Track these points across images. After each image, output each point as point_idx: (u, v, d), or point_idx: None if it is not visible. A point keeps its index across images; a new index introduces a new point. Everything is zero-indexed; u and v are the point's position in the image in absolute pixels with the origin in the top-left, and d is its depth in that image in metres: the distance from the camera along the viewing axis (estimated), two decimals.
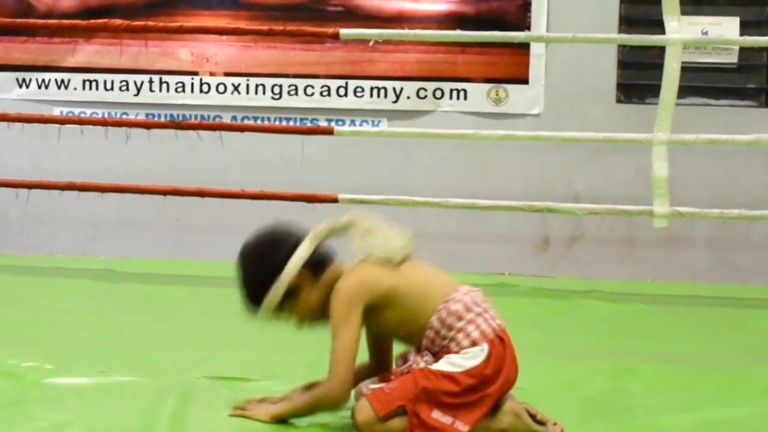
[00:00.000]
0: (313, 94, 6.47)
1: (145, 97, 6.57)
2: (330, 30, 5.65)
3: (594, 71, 6.34)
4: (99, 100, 6.59)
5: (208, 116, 6.45)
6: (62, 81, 6.60)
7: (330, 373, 2.88)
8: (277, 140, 6.25)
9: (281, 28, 5.75)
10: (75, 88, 6.60)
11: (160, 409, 3.08)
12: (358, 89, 6.43)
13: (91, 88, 6.60)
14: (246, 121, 6.40)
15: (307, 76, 6.48)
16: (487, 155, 6.36)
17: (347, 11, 6.42)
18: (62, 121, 6.06)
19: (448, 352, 2.90)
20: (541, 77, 6.36)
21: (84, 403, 3.18)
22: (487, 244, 6.42)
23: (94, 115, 6.43)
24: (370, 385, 2.93)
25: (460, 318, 2.92)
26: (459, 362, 2.87)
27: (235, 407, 3.07)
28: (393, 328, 2.98)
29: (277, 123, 6.44)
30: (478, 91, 6.39)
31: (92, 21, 5.80)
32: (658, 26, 5.43)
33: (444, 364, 2.88)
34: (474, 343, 2.89)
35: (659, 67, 5.36)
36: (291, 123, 6.47)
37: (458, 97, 6.39)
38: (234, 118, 6.45)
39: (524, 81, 6.37)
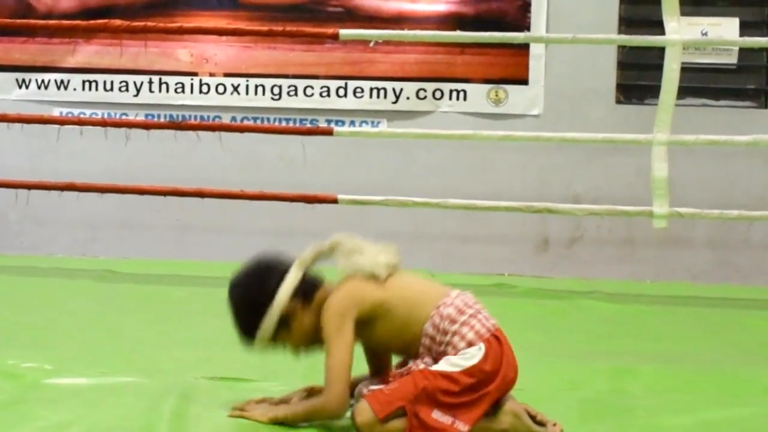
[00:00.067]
0: (312, 94, 6.47)
1: (145, 97, 6.57)
2: (329, 31, 5.66)
3: (594, 72, 6.35)
4: (98, 100, 6.59)
5: (208, 117, 6.45)
6: (62, 81, 6.60)
7: (326, 387, 2.89)
8: (276, 141, 6.26)
9: (281, 28, 5.75)
10: (74, 89, 6.60)
11: (160, 410, 3.08)
12: (358, 90, 6.44)
13: (90, 89, 6.60)
14: (245, 122, 6.40)
15: (307, 76, 6.48)
16: (486, 156, 6.36)
17: (347, 12, 6.42)
18: (62, 122, 6.06)
19: (446, 355, 2.91)
20: (540, 78, 6.36)
21: (84, 403, 3.18)
22: (486, 245, 6.42)
23: (93, 116, 6.42)
24: (370, 386, 2.94)
25: (453, 321, 2.93)
26: (458, 362, 2.88)
27: (235, 408, 3.08)
28: (388, 341, 2.99)
29: (276, 124, 6.44)
30: (477, 92, 6.39)
31: (92, 21, 5.80)
32: (658, 27, 5.44)
33: (443, 365, 2.89)
34: (470, 344, 2.90)
35: (659, 67, 5.36)
36: (291, 123, 6.47)
37: (458, 98, 6.39)
38: (233, 118, 6.45)
39: (524, 82, 6.37)
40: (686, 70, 5.59)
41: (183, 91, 6.54)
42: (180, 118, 6.38)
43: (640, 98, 6.33)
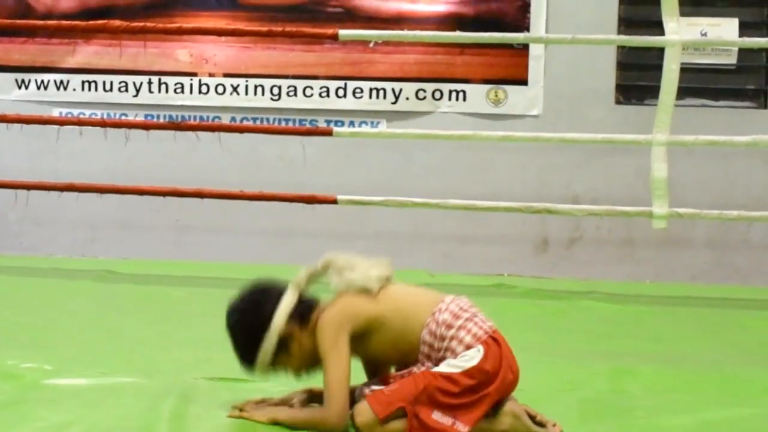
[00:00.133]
0: (312, 95, 6.47)
1: (144, 98, 6.57)
2: (329, 31, 5.66)
3: (593, 72, 6.35)
4: (98, 101, 6.59)
5: (207, 117, 6.45)
6: (61, 82, 6.60)
7: (326, 403, 2.90)
8: (276, 141, 6.26)
9: (280, 29, 5.75)
10: (74, 89, 6.60)
11: (160, 410, 3.09)
12: (357, 90, 6.43)
13: (90, 89, 6.59)
14: (245, 122, 6.40)
15: (306, 77, 6.48)
16: (486, 156, 6.36)
17: (346, 12, 6.42)
18: (61, 122, 6.06)
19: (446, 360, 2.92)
20: (540, 78, 6.36)
21: (83, 403, 3.18)
22: (486, 245, 6.42)
23: (93, 116, 6.42)
24: (372, 387, 2.94)
25: (450, 327, 2.93)
26: (458, 364, 2.89)
27: (234, 408, 3.08)
28: (386, 353, 3.00)
29: (276, 124, 6.44)
30: (477, 92, 6.39)
31: (91, 22, 5.80)
32: (658, 27, 5.44)
33: (443, 367, 2.90)
34: (468, 347, 2.91)
35: (658, 68, 5.36)
36: (290, 124, 6.47)
37: (457, 98, 6.39)
38: (233, 119, 6.45)
39: (523, 82, 6.37)
40: (686, 70, 5.59)
41: (182, 92, 6.54)
42: (179, 119, 6.38)
43: (640, 99, 6.33)
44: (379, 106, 6.43)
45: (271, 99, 6.50)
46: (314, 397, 3.05)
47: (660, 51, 5.42)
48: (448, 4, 6.37)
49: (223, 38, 6.40)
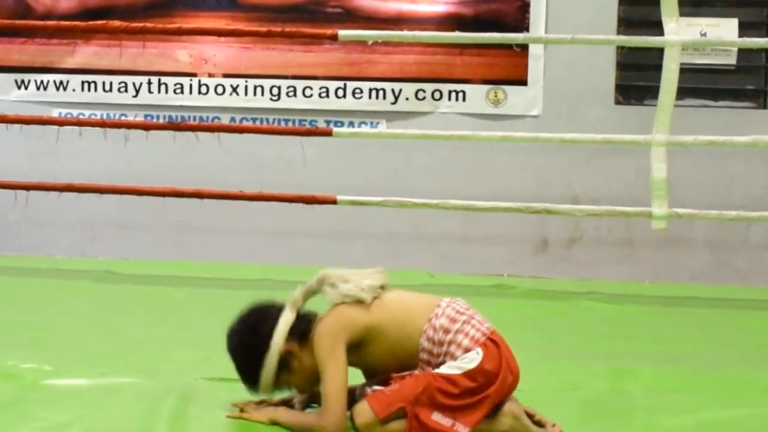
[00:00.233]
0: (311, 95, 6.47)
1: (144, 98, 6.56)
2: (329, 31, 5.66)
3: (593, 72, 6.34)
4: (98, 101, 6.58)
5: (207, 117, 6.45)
6: (61, 82, 6.59)
7: (324, 413, 2.90)
8: (275, 141, 6.25)
9: (280, 29, 5.74)
10: (74, 90, 6.60)
11: (160, 410, 3.09)
12: (357, 90, 6.43)
13: (89, 90, 6.59)
14: (244, 123, 6.40)
15: (306, 77, 6.48)
16: (485, 156, 6.36)
17: (346, 12, 6.42)
18: (61, 123, 6.06)
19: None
20: (539, 78, 6.36)
21: (83, 404, 3.18)
22: (486, 246, 6.42)
23: (92, 117, 6.42)
24: (372, 387, 2.94)
25: (447, 331, 2.94)
26: (458, 365, 2.89)
27: (234, 407, 3.09)
28: (385, 361, 3.00)
29: (275, 124, 6.44)
30: (476, 93, 6.39)
31: (91, 22, 5.80)
32: (657, 28, 5.44)
33: (443, 368, 2.91)
34: (467, 350, 2.92)
35: (658, 68, 5.37)
36: (290, 124, 6.46)
37: (457, 99, 6.39)
38: (233, 119, 6.45)
39: (523, 82, 6.37)
40: (685, 70, 5.59)
41: (182, 92, 6.54)
42: (179, 119, 6.37)
43: (639, 99, 6.33)
44: (379, 106, 6.43)
45: (271, 99, 6.50)
46: (315, 398, 3.05)
47: (659, 51, 5.42)
48: (448, 4, 6.37)
49: (222, 39, 6.40)
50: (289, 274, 5.56)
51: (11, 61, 6.66)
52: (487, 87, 6.38)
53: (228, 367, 3.42)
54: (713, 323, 5.09)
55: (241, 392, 3.22)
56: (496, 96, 6.37)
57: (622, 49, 6.30)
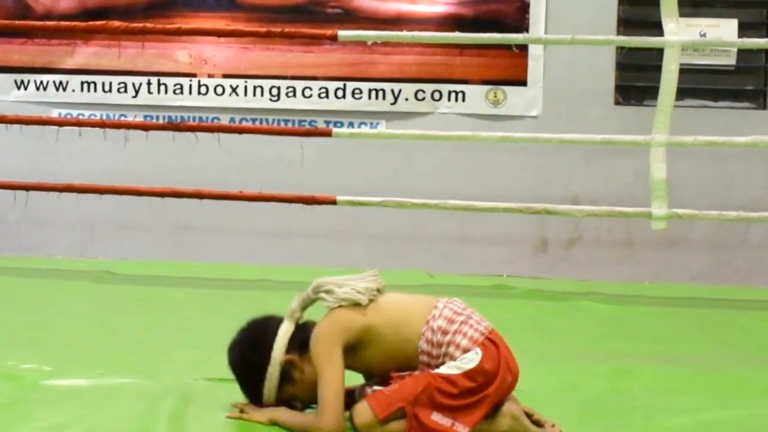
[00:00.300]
0: (311, 95, 6.47)
1: (144, 98, 6.56)
2: (328, 32, 5.66)
3: (592, 73, 6.35)
4: (97, 101, 6.58)
5: (207, 118, 6.46)
6: (60, 83, 6.59)
7: (322, 412, 2.89)
8: (275, 142, 6.25)
9: (279, 29, 5.74)
10: (73, 90, 6.60)
11: (159, 411, 3.09)
12: (357, 91, 6.43)
13: (89, 90, 6.59)
14: (244, 123, 6.40)
15: (306, 77, 6.48)
16: (485, 157, 6.36)
17: (345, 13, 6.42)
18: (60, 123, 6.06)
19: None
20: (539, 79, 6.36)
21: (83, 404, 3.18)
22: (485, 246, 6.42)
23: (92, 117, 6.42)
24: (372, 387, 2.94)
25: (445, 332, 2.94)
26: (457, 365, 2.89)
27: (234, 408, 3.09)
28: (382, 364, 3.00)
29: (275, 125, 6.44)
30: (476, 93, 6.39)
31: (90, 23, 5.80)
32: (657, 28, 5.44)
33: (443, 368, 2.91)
34: (466, 351, 2.91)
35: (657, 69, 5.37)
36: (289, 125, 6.46)
37: (456, 99, 6.39)
38: (232, 119, 6.45)
39: (522, 83, 6.37)
40: (685, 71, 5.59)
41: (181, 93, 6.54)
42: (178, 120, 6.36)
43: (639, 99, 6.33)
44: (379, 106, 6.43)
45: (270, 100, 6.50)
46: (316, 398, 3.05)
47: (659, 52, 5.43)
48: (448, 4, 6.37)
49: (222, 39, 6.40)
50: (289, 274, 5.60)
51: (11, 62, 6.66)
52: (486, 87, 6.38)
53: (228, 368, 3.43)
54: (713, 324, 5.09)
55: (240, 393, 3.22)
56: (495, 96, 6.37)
57: (621, 50, 6.31)
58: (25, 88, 6.63)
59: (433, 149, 6.37)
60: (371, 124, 6.44)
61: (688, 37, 5.79)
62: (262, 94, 6.49)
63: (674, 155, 5.52)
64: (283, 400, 3.02)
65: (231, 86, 6.52)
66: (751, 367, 4.01)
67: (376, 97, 6.42)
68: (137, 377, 3.48)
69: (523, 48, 6.29)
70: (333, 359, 2.91)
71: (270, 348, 2.98)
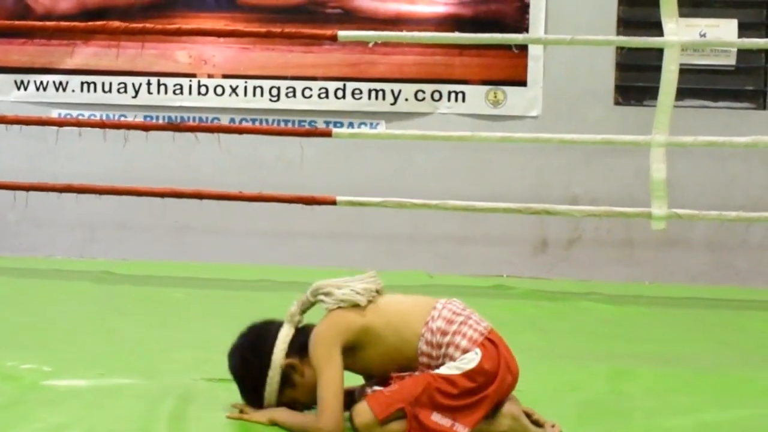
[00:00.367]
0: (311, 96, 6.47)
1: (143, 99, 6.56)
2: (328, 32, 5.66)
3: (592, 73, 6.35)
4: (97, 102, 6.58)
5: (206, 118, 6.46)
6: (60, 83, 6.59)
7: (321, 412, 2.89)
8: (275, 142, 6.25)
9: (279, 30, 5.73)
10: (73, 90, 6.60)
11: (159, 411, 3.09)
12: (356, 91, 6.43)
13: (89, 90, 6.59)
14: (244, 123, 6.40)
15: (305, 78, 6.48)
16: (485, 157, 6.36)
17: (345, 13, 6.42)
18: (60, 123, 6.06)
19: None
20: (539, 79, 6.36)
21: (82, 405, 3.18)
22: (485, 246, 6.42)
23: (92, 117, 6.42)
24: (372, 387, 2.94)
25: (445, 333, 2.94)
26: (457, 366, 2.89)
27: (234, 407, 3.09)
28: (382, 365, 3.00)
29: (275, 125, 6.44)
30: (476, 93, 6.39)
31: (90, 23, 5.80)
32: (657, 28, 5.45)
33: (443, 369, 2.91)
34: (466, 351, 2.91)
35: (657, 69, 5.36)
36: (289, 125, 6.46)
37: (456, 99, 6.39)
38: (232, 120, 6.45)
39: (522, 83, 6.37)
40: (685, 71, 5.59)
41: (181, 93, 6.54)
42: (178, 120, 6.36)
43: (639, 99, 6.33)
44: (378, 107, 6.43)
45: (270, 100, 6.50)
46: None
47: (659, 52, 5.42)
48: (447, 5, 6.37)
49: (222, 39, 6.40)
50: (289, 274, 5.61)
51: (11, 62, 6.66)
52: (486, 88, 6.38)
53: (228, 369, 3.43)
54: (713, 324, 5.09)
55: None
56: (495, 97, 6.37)
57: (621, 50, 6.30)
58: (25, 89, 6.63)
59: (433, 149, 6.37)
60: (371, 124, 6.44)
61: (687, 38, 5.79)
62: (261, 95, 6.49)
63: (674, 155, 5.52)
64: (284, 403, 3.02)
65: (231, 86, 6.52)
66: (751, 367, 4.01)
67: (376, 98, 6.42)
68: (137, 377, 3.48)
69: (523, 48, 6.29)
70: (332, 360, 2.91)
71: (270, 352, 2.98)
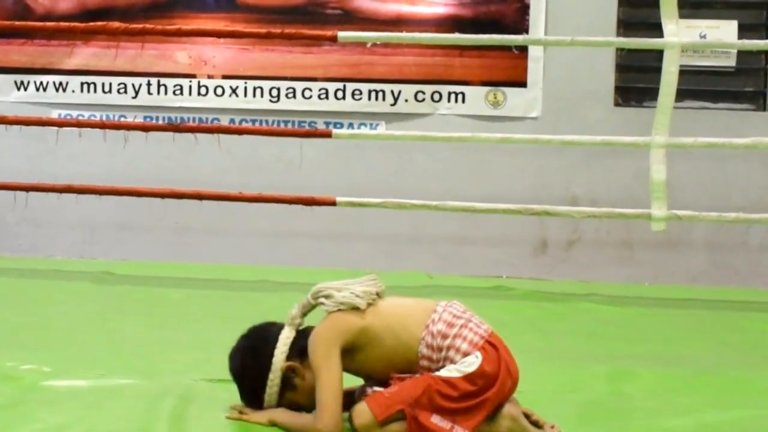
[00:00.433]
0: (311, 96, 6.47)
1: (143, 99, 6.56)
2: (328, 33, 5.65)
3: (592, 74, 6.35)
4: (97, 102, 6.58)
5: (206, 119, 6.46)
6: (60, 83, 6.59)
7: (320, 413, 2.89)
8: (275, 143, 6.25)
9: (279, 30, 5.73)
10: (73, 91, 6.59)
11: (159, 412, 3.09)
12: (356, 92, 6.43)
13: (89, 91, 6.59)
14: (244, 124, 6.40)
15: (305, 78, 6.47)
16: (485, 158, 6.36)
17: (345, 14, 6.42)
18: (60, 124, 6.06)
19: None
20: (539, 80, 6.36)
21: (82, 405, 3.18)
22: (485, 248, 6.42)
23: (92, 118, 6.42)
24: (372, 388, 2.94)
25: (445, 336, 2.94)
26: (458, 368, 2.89)
27: (233, 409, 3.09)
28: (383, 368, 3.00)
29: (275, 126, 6.44)
30: (476, 94, 6.39)
31: (90, 23, 5.80)
32: (657, 29, 5.44)
33: (443, 371, 2.90)
34: (466, 355, 2.91)
35: (657, 70, 5.36)
36: (289, 126, 6.46)
37: (456, 100, 6.39)
38: (232, 120, 6.45)
39: (522, 84, 6.37)
40: (685, 72, 5.59)
41: (181, 93, 6.54)
42: (178, 120, 6.36)
43: (639, 101, 6.33)
44: (378, 107, 6.43)
45: (270, 101, 6.50)
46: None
47: (659, 53, 5.42)
48: (447, 6, 6.37)
49: (222, 40, 6.40)
50: (289, 275, 5.61)
51: (10, 62, 6.66)
52: (486, 89, 6.38)
53: (227, 369, 3.43)
54: (713, 325, 5.09)
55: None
56: (495, 98, 6.37)
57: (621, 51, 6.31)
58: (25, 89, 6.63)
59: (433, 150, 6.37)
60: (371, 125, 6.44)
61: (687, 39, 5.79)
62: (261, 95, 6.49)
63: (674, 157, 5.52)
64: (284, 406, 3.02)
65: (231, 87, 6.52)
66: (751, 367, 4.02)
67: (376, 98, 6.42)
68: (137, 378, 3.48)
69: (523, 49, 6.30)
70: (331, 361, 2.90)
71: (271, 355, 2.98)
